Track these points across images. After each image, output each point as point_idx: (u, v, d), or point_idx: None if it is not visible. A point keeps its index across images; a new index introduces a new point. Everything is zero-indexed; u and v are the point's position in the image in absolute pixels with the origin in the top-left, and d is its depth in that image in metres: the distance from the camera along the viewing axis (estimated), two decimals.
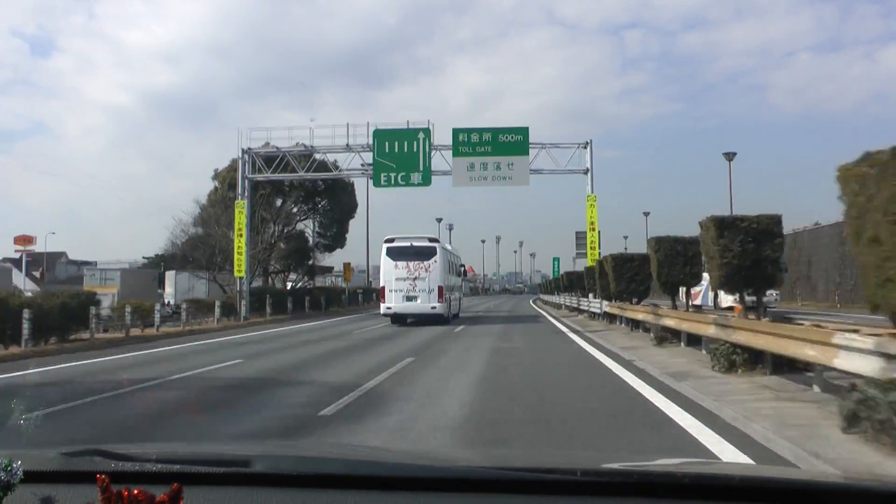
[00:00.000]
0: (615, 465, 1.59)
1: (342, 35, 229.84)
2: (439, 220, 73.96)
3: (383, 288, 25.97)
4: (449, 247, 30.69)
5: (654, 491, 1.29)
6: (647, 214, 71.33)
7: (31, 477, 1.23)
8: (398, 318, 26.68)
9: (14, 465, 1.16)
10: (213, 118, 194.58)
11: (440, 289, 25.58)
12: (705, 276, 16.54)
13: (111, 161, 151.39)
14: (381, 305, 26.03)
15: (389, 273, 25.85)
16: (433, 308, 25.53)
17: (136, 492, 1.08)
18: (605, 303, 23.25)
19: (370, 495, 1.31)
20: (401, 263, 25.76)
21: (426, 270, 25.63)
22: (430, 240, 26.36)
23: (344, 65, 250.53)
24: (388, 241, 26.18)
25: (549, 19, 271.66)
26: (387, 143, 29.40)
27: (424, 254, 25.89)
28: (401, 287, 25.63)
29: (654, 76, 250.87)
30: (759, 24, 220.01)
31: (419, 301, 25.57)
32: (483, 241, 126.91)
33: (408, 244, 25.96)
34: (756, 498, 1.24)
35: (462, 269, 34.73)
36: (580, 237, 30.32)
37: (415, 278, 25.63)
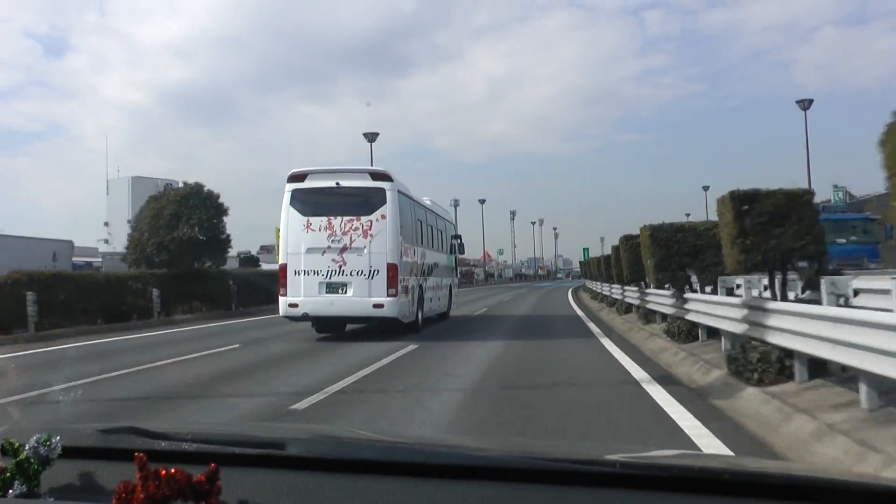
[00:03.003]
0: (625, 457, 1.48)
1: (358, 23, 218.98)
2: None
3: (284, 268, 13.59)
4: (427, 201, 18.04)
5: (657, 484, 1.25)
6: (706, 189, 62.60)
7: (69, 452, 1.24)
8: (326, 325, 14.40)
9: (53, 440, 1.18)
10: (230, 113, 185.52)
11: (392, 270, 13.20)
12: None
13: (128, 160, 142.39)
14: (281, 301, 13.65)
15: (296, 238, 13.51)
16: (377, 306, 13.15)
17: (173, 471, 1.09)
18: None
19: (406, 482, 1.28)
20: (318, 221, 13.41)
21: (365, 234, 13.27)
22: (375, 176, 13.82)
23: (360, 54, 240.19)
24: (294, 178, 13.77)
25: (568, 1, 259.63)
26: None
27: (363, 202, 13.53)
28: (317, 266, 13.29)
29: (675, 57, 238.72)
30: None
31: (350, 292, 13.21)
32: (482, 202, 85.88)
33: (331, 184, 13.56)
34: (785, 496, 1.19)
35: (457, 242, 21.53)
36: None
37: (343, 249, 13.27)
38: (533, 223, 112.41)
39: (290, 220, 13.55)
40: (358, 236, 13.23)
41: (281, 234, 13.66)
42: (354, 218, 13.28)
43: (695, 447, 4.88)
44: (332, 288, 13.26)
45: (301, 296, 13.31)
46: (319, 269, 13.25)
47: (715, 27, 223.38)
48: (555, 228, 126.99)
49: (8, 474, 1.16)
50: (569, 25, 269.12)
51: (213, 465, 1.10)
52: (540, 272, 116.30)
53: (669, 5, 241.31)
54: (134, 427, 1.47)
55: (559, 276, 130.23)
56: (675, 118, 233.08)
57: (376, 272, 13.14)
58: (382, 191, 13.37)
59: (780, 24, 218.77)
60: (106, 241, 35.18)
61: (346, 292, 13.21)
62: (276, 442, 1.52)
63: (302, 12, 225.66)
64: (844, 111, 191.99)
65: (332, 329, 14.59)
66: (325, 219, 13.34)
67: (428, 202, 18.21)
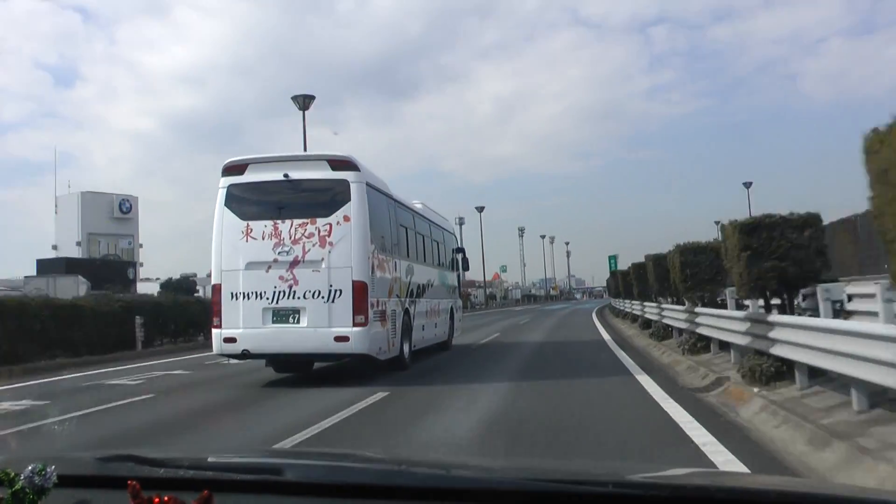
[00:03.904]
0: (638, 477, 1.54)
1: (365, 46, 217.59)
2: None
3: (218, 290, 10.17)
4: (418, 205, 14.58)
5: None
6: (748, 185, 54.88)
7: (65, 481, 1.22)
8: (284, 363, 10.98)
9: (48, 470, 1.17)
10: (238, 139, 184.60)
11: (359, 289, 9.75)
12: None
13: (138, 189, 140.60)
14: (214, 335, 10.23)
15: (233, 250, 10.10)
16: (340, 340, 9.66)
17: (166, 498, 1.10)
18: None
19: None
20: (261, 226, 10.03)
21: (323, 242, 9.86)
22: (335, 164, 10.25)
23: (368, 77, 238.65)
24: (230, 169, 10.38)
25: (573, 20, 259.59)
26: None
27: (320, 200, 10.18)
28: (260, 286, 9.88)
29: (683, 72, 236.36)
30: (788, 11, 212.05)
31: (304, 321, 9.77)
32: (480, 210, 69.81)
33: (278, 176, 10.15)
34: None
35: (459, 256, 17.91)
36: None
37: (294, 262, 9.86)
38: (542, 237, 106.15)
39: (224, 227, 10.17)
40: (313, 245, 9.83)
41: (214, 245, 10.26)
42: (308, 221, 9.89)
43: None
44: (280, 316, 9.85)
45: (240, 327, 9.90)
46: (263, 291, 9.86)
47: (721, 42, 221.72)
48: (567, 243, 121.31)
49: None
50: (575, 44, 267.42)
51: (206, 491, 1.10)
52: (552, 292, 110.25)
53: (676, 21, 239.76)
54: (131, 454, 1.48)
55: (577, 295, 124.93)
56: (684, 134, 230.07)
57: (338, 293, 9.71)
58: (345, 183, 9.97)
59: (787, 37, 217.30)
60: None
61: (298, 321, 9.79)
62: (273, 467, 1.52)
63: (309, 38, 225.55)
64: (856, 122, 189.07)
65: (293, 368, 11.19)
66: (269, 223, 9.98)
67: (419, 206, 14.81)
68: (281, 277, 9.82)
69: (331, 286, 9.71)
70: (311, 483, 1.34)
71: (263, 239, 9.94)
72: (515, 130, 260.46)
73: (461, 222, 59.00)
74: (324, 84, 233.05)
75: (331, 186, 10.05)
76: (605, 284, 60.80)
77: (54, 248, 31.27)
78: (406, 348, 11.79)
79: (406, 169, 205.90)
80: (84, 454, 1.63)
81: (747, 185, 54.35)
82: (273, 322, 9.84)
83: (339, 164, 10.10)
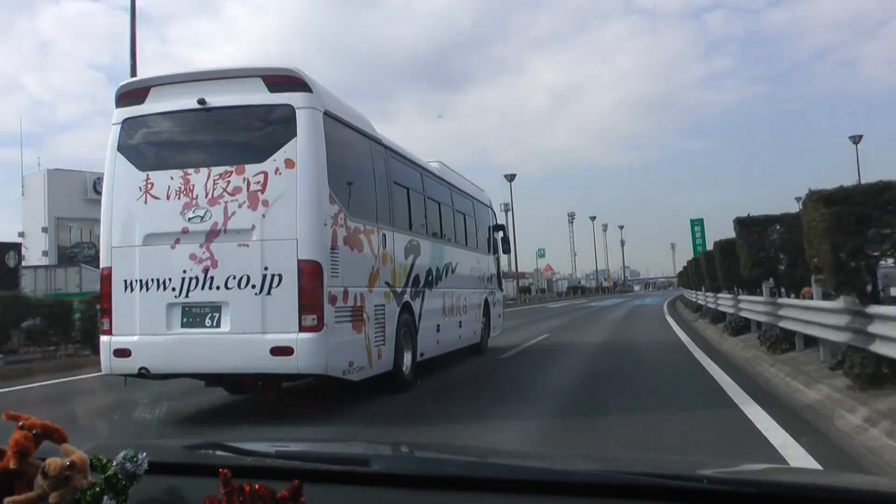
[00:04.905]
0: (731, 473, 1.43)
1: (417, 39, 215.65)
2: None
3: (107, 277, 6.75)
4: (435, 165, 11.00)
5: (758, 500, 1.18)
6: (856, 141, 44.00)
7: (154, 468, 1.21)
8: (232, 383, 7.46)
9: (140, 457, 1.16)
10: None
11: (310, 273, 6.20)
12: None
13: None
14: (102, 343, 6.83)
15: (127, 215, 6.66)
16: (280, 352, 6.12)
17: (257, 486, 1.08)
18: None
19: (490, 497, 1.25)
20: (166, 178, 6.55)
21: (255, 200, 6.33)
22: (273, 81, 6.55)
23: (420, 70, 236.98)
24: (126, 95, 6.93)
25: (627, 8, 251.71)
26: None
27: (252, 137, 6.67)
28: (164, 270, 6.42)
29: (739, 58, 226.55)
30: None
31: (227, 324, 6.28)
32: (511, 179, 56.43)
33: (191, 102, 6.63)
34: None
35: (498, 234, 14.42)
36: None
37: (212, 233, 6.39)
38: (593, 218, 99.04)
39: (116, 182, 6.77)
40: (239, 206, 6.34)
41: (103, 209, 6.85)
42: (233, 169, 6.41)
43: None
44: (192, 316, 6.40)
45: (136, 333, 6.50)
46: (168, 279, 6.42)
47: (778, 27, 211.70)
48: (621, 227, 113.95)
49: (98, 489, 1.14)
50: (629, 33, 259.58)
51: (296, 481, 1.09)
52: (605, 283, 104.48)
53: (732, 6, 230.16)
54: (219, 443, 1.50)
55: (634, 287, 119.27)
56: (741, 121, 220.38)
57: (277, 280, 6.21)
58: (289, 110, 6.41)
59: (846, 21, 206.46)
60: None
61: (217, 324, 6.33)
62: (360, 458, 1.51)
63: (360, 32, 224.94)
64: None
65: (252, 387, 7.77)
66: (178, 174, 6.51)
67: (435, 165, 11.19)
68: (193, 256, 6.37)
69: (265, 269, 6.21)
70: (399, 474, 1.33)
71: (169, 198, 6.49)
72: (569, 122, 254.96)
73: (506, 209, 54.11)
74: (376, 78, 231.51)
75: (267, 115, 6.54)
76: (662, 274, 54.83)
77: (20, 235, 28.31)
78: (407, 359, 8.31)
79: (459, 160, 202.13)
80: (171, 442, 1.71)
81: (855, 139, 43.79)
82: (183, 325, 6.40)
83: (279, 80, 6.52)
